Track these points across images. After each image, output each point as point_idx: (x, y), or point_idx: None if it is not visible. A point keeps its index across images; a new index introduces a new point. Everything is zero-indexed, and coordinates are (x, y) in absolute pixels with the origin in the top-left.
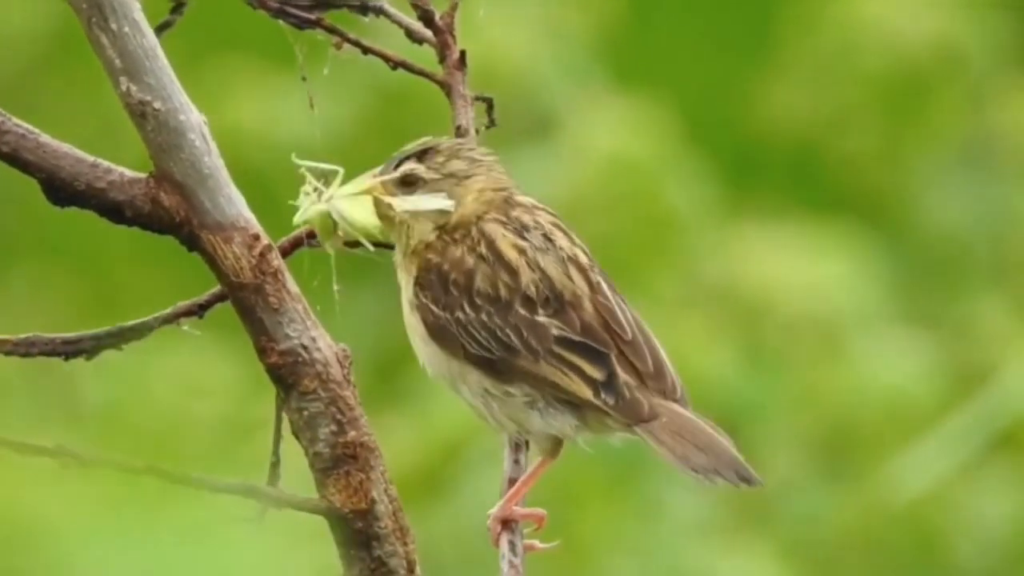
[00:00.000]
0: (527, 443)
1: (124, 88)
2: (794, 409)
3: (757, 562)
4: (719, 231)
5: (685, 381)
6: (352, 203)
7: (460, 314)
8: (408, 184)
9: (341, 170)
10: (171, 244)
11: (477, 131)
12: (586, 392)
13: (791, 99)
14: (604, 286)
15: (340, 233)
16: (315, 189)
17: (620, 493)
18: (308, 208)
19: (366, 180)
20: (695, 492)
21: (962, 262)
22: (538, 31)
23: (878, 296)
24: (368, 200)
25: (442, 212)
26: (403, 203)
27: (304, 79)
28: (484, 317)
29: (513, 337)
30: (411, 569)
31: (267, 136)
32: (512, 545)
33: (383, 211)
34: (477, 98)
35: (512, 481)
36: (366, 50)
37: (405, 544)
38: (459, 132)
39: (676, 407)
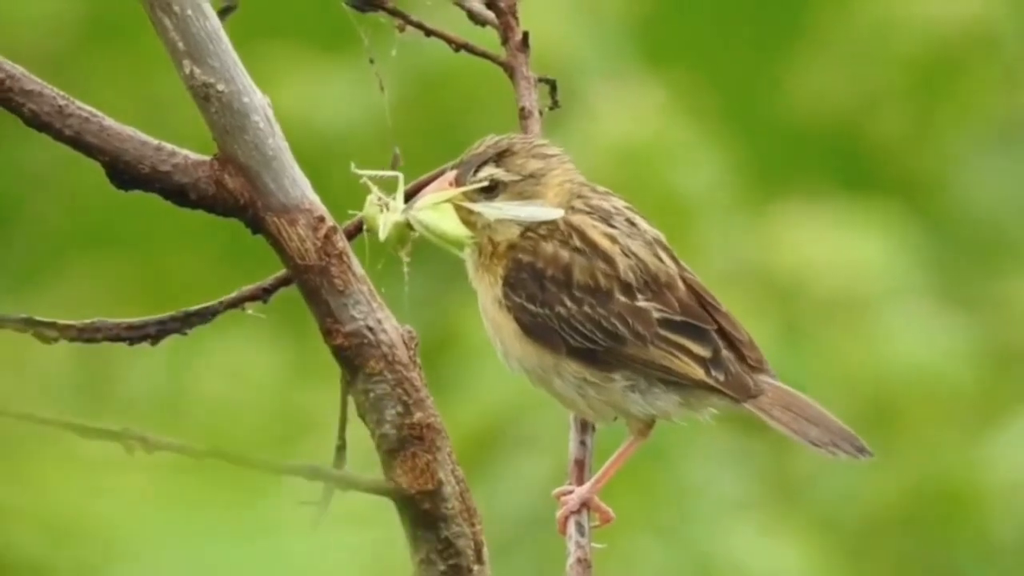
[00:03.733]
0: (593, 425)
1: (187, 71)
2: (829, 387)
3: (788, 542)
4: (751, 212)
5: None
6: (435, 213)
7: (561, 309)
8: (490, 190)
9: (401, 176)
10: (221, 235)
11: (541, 112)
12: (698, 372)
13: (827, 81)
14: (683, 262)
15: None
16: (379, 199)
17: (651, 473)
18: (386, 221)
19: (444, 188)
20: (727, 472)
21: (998, 242)
22: (573, 12)
23: (914, 276)
24: (450, 208)
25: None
26: (498, 211)
27: (371, 61)
28: (587, 309)
29: (619, 325)
30: (478, 550)
31: (315, 121)
32: (580, 527)
33: (464, 217)
34: (540, 79)
35: (579, 463)
36: (429, 32)
37: (472, 525)
38: (523, 114)
39: (775, 381)
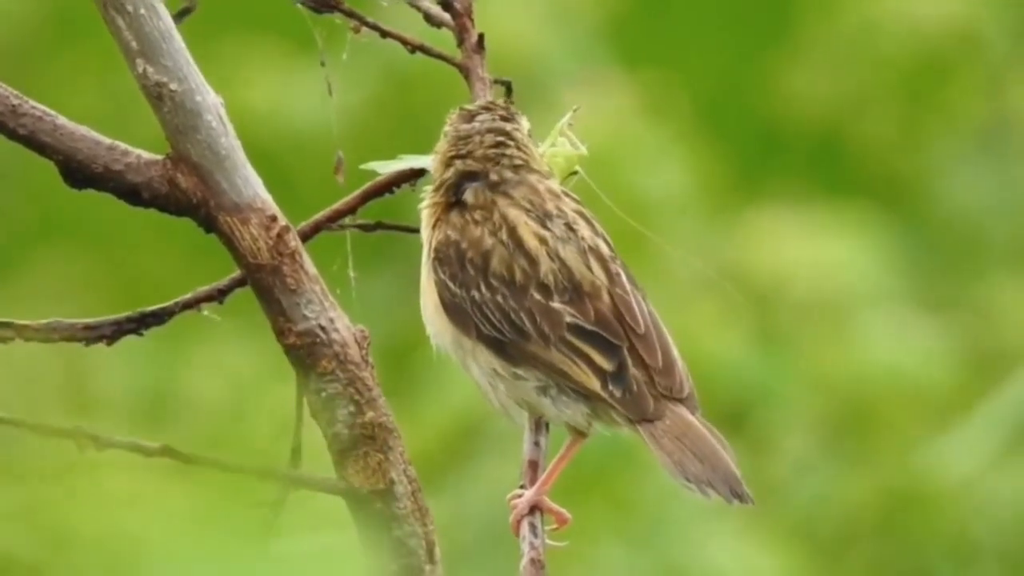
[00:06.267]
0: (547, 425)
1: (140, 70)
2: (805, 391)
3: (762, 547)
4: (730, 214)
5: (694, 364)
6: None
7: (476, 293)
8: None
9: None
10: (191, 228)
11: None
12: (593, 383)
13: (810, 82)
14: (623, 278)
15: None
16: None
17: (621, 477)
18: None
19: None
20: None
21: (980, 245)
22: (546, 13)
23: (894, 279)
24: None
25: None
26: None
27: (323, 64)
28: (499, 299)
29: (526, 321)
30: (430, 550)
31: (278, 118)
32: (533, 528)
33: None
34: (496, 81)
35: (533, 464)
36: (385, 34)
37: (424, 525)
38: None
39: (682, 411)
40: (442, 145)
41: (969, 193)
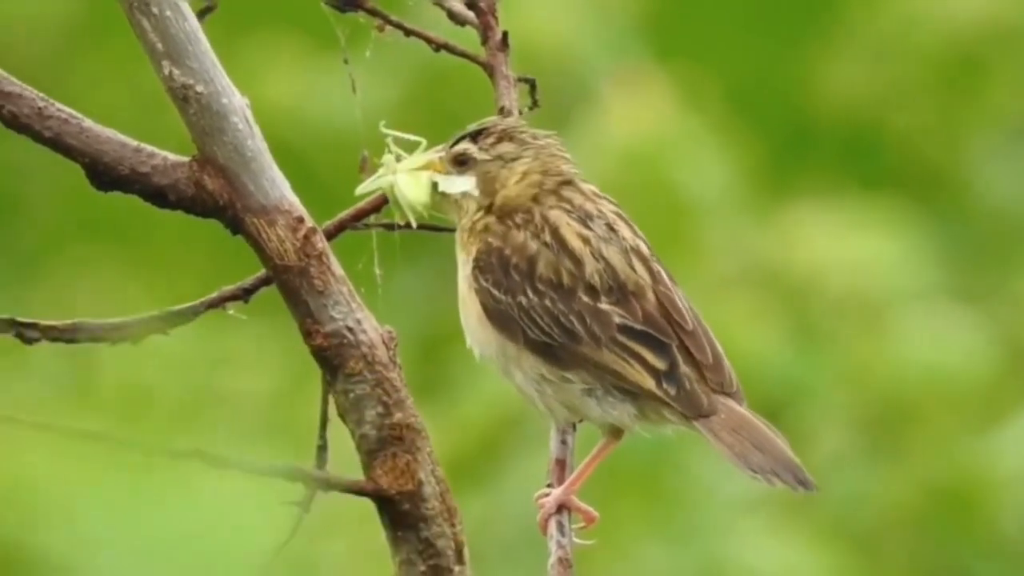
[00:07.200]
0: (575, 424)
1: (167, 72)
2: (842, 387)
3: (799, 544)
4: (765, 209)
5: (731, 360)
6: (410, 178)
7: (523, 299)
8: (460, 163)
9: (424, 141)
10: (219, 224)
11: (520, 112)
12: (648, 382)
13: (846, 75)
14: (664, 276)
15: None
16: (397, 159)
17: (659, 475)
18: (376, 179)
19: (428, 155)
20: (737, 472)
21: (1016, 240)
22: (581, 8)
23: (930, 273)
24: (426, 176)
25: (466, 195)
26: (443, 182)
27: (346, 61)
28: (547, 303)
29: (576, 323)
30: (459, 551)
31: (306, 114)
32: (561, 526)
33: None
34: (520, 79)
35: (560, 463)
36: (408, 32)
37: (453, 525)
38: (502, 114)
39: (733, 403)
40: (532, 164)
41: (1005, 187)
